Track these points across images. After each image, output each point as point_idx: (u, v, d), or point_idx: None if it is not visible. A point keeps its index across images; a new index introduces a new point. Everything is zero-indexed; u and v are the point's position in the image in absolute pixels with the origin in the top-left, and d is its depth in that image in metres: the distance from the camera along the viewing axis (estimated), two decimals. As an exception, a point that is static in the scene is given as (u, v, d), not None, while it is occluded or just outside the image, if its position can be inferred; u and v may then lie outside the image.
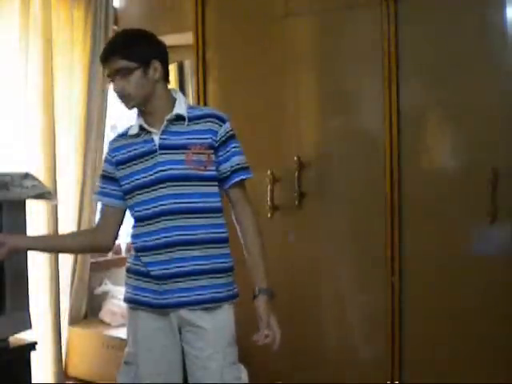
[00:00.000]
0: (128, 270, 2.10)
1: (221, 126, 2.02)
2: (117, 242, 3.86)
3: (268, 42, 3.01)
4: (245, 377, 2.09)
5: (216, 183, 2.03)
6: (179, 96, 2.06)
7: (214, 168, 2.01)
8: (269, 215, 2.95)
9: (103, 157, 2.20)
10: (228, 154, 2.03)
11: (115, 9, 3.66)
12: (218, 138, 2.01)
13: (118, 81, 1.99)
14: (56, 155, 3.26)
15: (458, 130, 2.62)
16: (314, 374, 2.89)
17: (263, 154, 2.94)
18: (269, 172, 2.92)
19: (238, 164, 2.04)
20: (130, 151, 2.04)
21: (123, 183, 2.04)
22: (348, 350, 2.84)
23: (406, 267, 2.68)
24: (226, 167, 2.03)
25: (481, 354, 2.53)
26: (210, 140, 2.00)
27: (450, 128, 2.67)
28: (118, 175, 2.05)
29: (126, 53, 1.97)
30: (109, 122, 3.58)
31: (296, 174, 2.89)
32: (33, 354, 2.45)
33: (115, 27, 3.68)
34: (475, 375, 2.50)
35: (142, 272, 2.03)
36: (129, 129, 2.08)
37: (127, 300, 2.10)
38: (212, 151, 2.00)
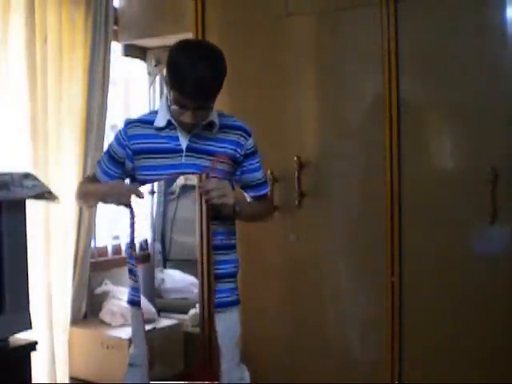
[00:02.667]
0: (129, 272, 2.10)
1: (247, 139, 2.08)
2: (117, 241, 3.88)
3: (268, 42, 3.01)
4: (247, 377, 2.10)
5: None
6: None
7: (230, 179, 2.06)
8: (269, 215, 2.95)
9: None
10: (252, 167, 2.10)
11: (115, 9, 3.66)
12: (244, 152, 2.06)
13: (197, 113, 1.93)
14: (56, 155, 3.26)
15: (458, 129, 2.62)
16: (314, 374, 2.89)
17: (263, 154, 2.91)
18: (269, 172, 2.92)
19: (261, 178, 2.15)
20: (152, 143, 2.02)
21: (141, 174, 2.03)
22: (348, 351, 2.84)
23: (405, 267, 2.68)
24: (251, 178, 2.10)
25: (481, 354, 2.53)
26: (233, 152, 2.03)
27: (450, 128, 2.67)
28: (135, 164, 2.03)
29: (218, 93, 1.95)
30: (109, 122, 3.57)
31: (296, 173, 2.89)
32: (33, 354, 2.45)
33: (115, 27, 3.68)
34: (475, 375, 2.51)
35: None
36: (152, 117, 2.05)
37: (129, 302, 2.10)
38: (233, 163, 2.04)
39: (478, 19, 2.54)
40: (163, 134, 2.02)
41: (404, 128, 2.68)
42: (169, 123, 2.01)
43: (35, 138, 3.16)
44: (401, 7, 2.65)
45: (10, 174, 2.28)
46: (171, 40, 3.69)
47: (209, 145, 2.01)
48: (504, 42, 2.49)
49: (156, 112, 2.07)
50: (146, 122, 2.05)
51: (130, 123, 2.08)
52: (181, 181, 3.95)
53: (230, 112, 3.09)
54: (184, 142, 2.00)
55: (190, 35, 3.19)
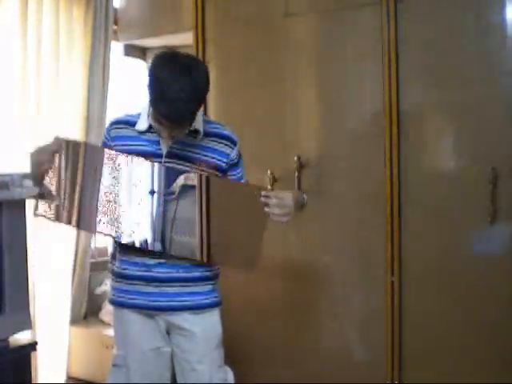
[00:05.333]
0: (112, 273, 2.11)
1: (233, 148, 2.04)
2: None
3: (268, 42, 3.01)
4: (231, 378, 2.10)
5: None
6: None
7: None
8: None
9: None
10: (235, 177, 2.07)
11: (115, 9, 3.66)
12: (229, 161, 2.03)
13: (174, 132, 1.91)
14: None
15: (458, 129, 2.62)
16: (313, 374, 2.89)
17: (263, 154, 2.94)
18: (269, 172, 2.92)
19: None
20: (133, 145, 2.00)
21: None
22: (348, 350, 2.84)
23: (405, 267, 2.68)
24: None
25: (481, 353, 2.53)
26: (216, 161, 2.00)
27: (450, 128, 2.67)
28: None
29: (195, 113, 1.89)
30: (109, 121, 3.57)
31: (296, 173, 2.89)
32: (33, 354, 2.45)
33: (115, 27, 3.68)
34: (475, 375, 2.50)
35: (126, 275, 2.04)
36: (135, 118, 2.03)
37: (113, 302, 2.10)
38: (216, 172, 2.00)
39: (478, 19, 2.53)
40: (145, 136, 2.00)
41: (404, 128, 2.67)
42: (150, 127, 1.99)
43: (34, 138, 3.16)
44: (401, 7, 2.65)
45: (10, 174, 2.28)
46: (171, 40, 3.72)
47: (190, 151, 1.99)
48: (504, 42, 2.49)
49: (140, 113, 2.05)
50: (130, 123, 2.04)
51: (113, 123, 2.08)
52: (181, 181, 3.95)
53: (229, 112, 3.11)
54: (165, 147, 1.98)
55: (189, 35, 3.19)
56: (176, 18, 3.47)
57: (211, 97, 3.16)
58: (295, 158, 2.89)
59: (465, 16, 2.56)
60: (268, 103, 3.02)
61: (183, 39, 3.42)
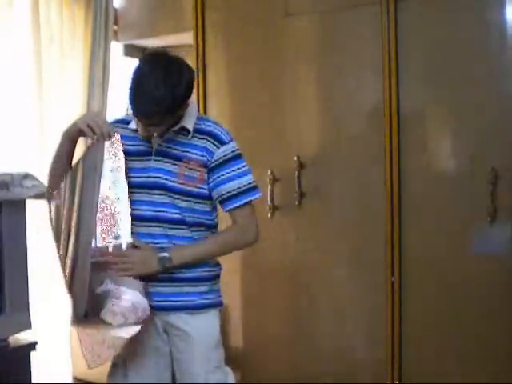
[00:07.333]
0: None
1: (218, 148, 1.95)
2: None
3: (268, 42, 3.01)
4: (231, 379, 2.08)
5: (207, 201, 1.99)
6: (191, 106, 1.98)
7: (205, 186, 1.96)
8: (269, 215, 2.96)
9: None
10: (222, 177, 1.96)
11: (115, 9, 3.66)
12: (214, 160, 1.94)
13: (149, 129, 1.90)
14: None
15: (457, 129, 2.63)
16: (314, 374, 2.89)
17: (263, 154, 2.94)
18: (269, 172, 2.92)
19: (237, 188, 1.97)
20: (127, 144, 2.01)
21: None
22: (348, 350, 2.84)
23: (406, 267, 2.68)
24: (221, 190, 1.97)
25: (481, 353, 2.53)
26: (204, 158, 1.95)
27: (449, 128, 2.67)
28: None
29: (172, 110, 1.85)
30: (108, 121, 3.57)
31: (296, 173, 2.89)
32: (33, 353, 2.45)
33: (115, 27, 3.68)
34: (475, 375, 2.51)
35: None
36: (130, 117, 2.03)
37: None
38: (205, 170, 1.95)
39: (478, 19, 2.54)
40: (137, 135, 2.00)
41: (404, 128, 2.68)
42: None
43: (34, 138, 3.16)
44: (401, 7, 2.65)
45: (10, 174, 2.28)
46: (171, 40, 3.72)
47: (177, 149, 1.96)
48: (504, 42, 2.49)
49: None
50: (125, 122, 2.05)
51: (113, 122, 2.07)
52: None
53: (229, 112, 3.11)
54: (155, 145, 1.98)
55: (190, 35, 3.19)
56: (176, 19, 3.47)
57: (211, 96, 3.16)
58: (295, 158, 2.89)
59: (465, 16, 2.56)
60: (268, 103, 3.02)
61: (183, 39, 3.42)
